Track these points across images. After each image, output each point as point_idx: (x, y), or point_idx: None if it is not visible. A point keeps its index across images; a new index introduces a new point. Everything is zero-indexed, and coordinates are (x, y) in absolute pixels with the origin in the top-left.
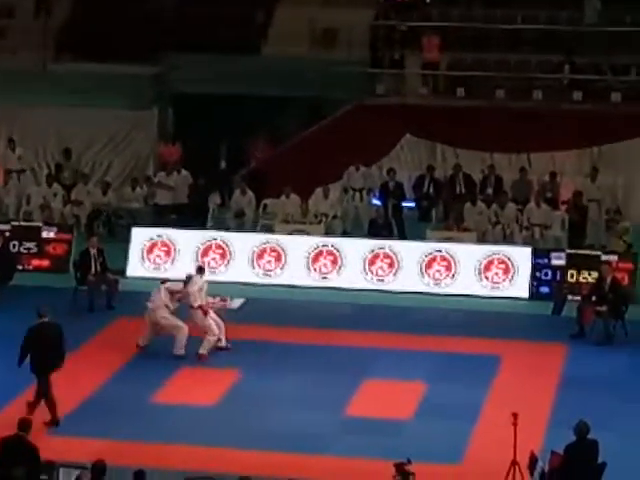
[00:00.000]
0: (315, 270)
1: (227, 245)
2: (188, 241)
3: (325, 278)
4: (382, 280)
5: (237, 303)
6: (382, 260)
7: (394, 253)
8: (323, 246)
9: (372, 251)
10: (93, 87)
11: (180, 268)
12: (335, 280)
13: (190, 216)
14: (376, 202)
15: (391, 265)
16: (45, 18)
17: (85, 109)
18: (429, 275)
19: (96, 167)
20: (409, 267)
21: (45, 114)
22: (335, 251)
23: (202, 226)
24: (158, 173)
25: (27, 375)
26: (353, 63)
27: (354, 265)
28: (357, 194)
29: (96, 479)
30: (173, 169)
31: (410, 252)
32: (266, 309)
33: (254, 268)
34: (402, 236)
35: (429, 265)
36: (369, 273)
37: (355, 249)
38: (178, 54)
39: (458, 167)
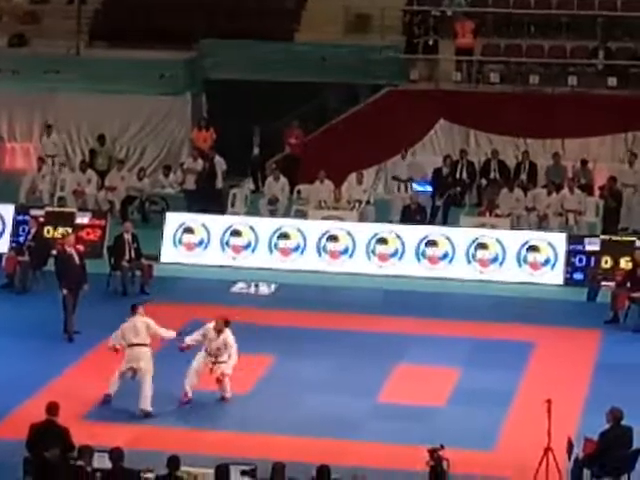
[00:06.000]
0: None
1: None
2: (220, 227)
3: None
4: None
5: (268, 289)
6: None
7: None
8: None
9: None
10: (126, 73)
11: (212, 254)
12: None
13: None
14: (416, 187)
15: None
16: (79, 4)
17: (118, 95)
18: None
19: (130, 153)
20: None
21: (79, 100)
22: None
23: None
24: (186, 159)
25: (59, 362)
26: (386, 48)
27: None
28: (402, 185)
29: (115, 465)
30: (202, 155)
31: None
32: (296, 295)
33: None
34: (445, 222)
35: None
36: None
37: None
38: (211, 40)
39: (495, 153)
